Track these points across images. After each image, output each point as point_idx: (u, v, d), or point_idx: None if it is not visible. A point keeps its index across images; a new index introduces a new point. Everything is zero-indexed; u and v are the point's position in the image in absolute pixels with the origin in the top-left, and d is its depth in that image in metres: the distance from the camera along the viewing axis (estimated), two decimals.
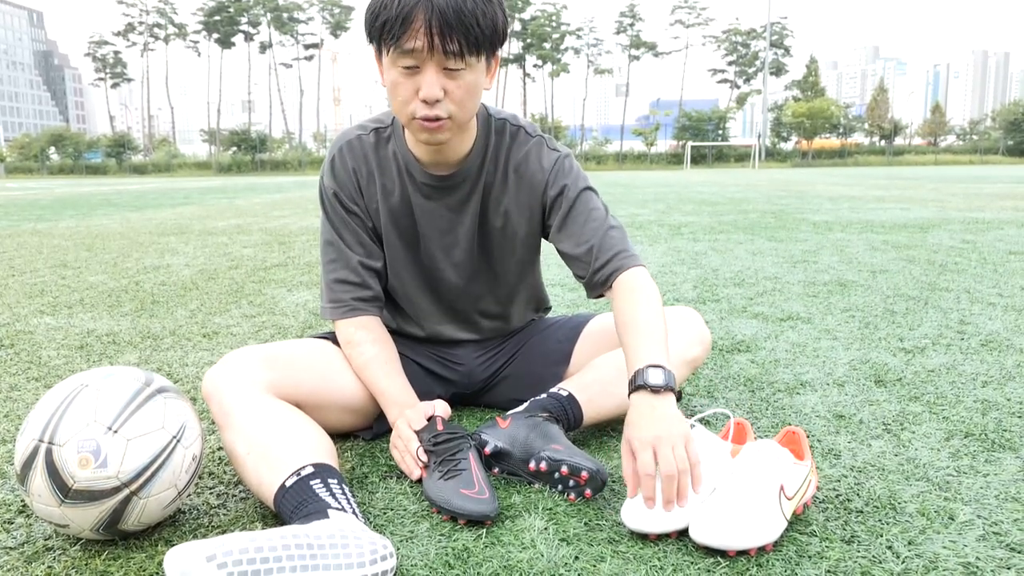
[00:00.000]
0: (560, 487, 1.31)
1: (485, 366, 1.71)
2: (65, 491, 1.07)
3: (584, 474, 1.27)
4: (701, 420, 1.35)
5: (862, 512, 1.24)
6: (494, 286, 1.64)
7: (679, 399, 1.30)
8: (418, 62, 1.25)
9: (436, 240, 1.56)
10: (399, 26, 1.22)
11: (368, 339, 1.51)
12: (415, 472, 1.35)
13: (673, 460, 1.15)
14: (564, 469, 1.29)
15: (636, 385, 1.25)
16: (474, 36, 1.24)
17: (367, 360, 1.49)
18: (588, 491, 1.28)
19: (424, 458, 1.34)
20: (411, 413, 1.42)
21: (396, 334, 1.64)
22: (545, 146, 1.53)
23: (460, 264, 1.58)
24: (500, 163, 1.52)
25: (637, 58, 73.62)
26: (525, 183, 1.52)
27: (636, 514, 1.16)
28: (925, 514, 1.23)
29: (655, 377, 1.23)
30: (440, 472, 1.29)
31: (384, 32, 1.25)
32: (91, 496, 1.08)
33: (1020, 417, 1.68)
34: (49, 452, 1.07)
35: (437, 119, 1.30)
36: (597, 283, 1.47)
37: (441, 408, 1.43)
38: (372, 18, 1.27)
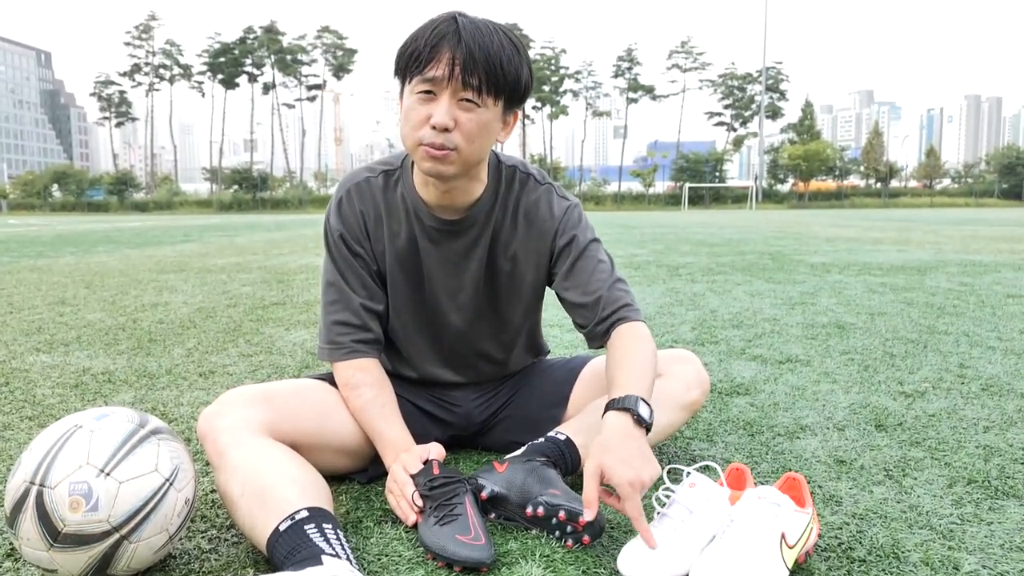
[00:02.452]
0: (557, 533, 1.29)
1: (483, 408, 1.70)
2: (55, 535, 1.05)
3: (582, 520, 1.25)
4: (698, 469, 1.33)
5: (865, 561, 1.22)
6: (497, 330, 1.64)
7: (648, 430, 1.30)
8: (436, 89, 1.30)
9: (441, 283, 1.56)
10: (427, 53, 1.28)
11: (367, 381, 1.50)
12: (411, 517, 1.33)
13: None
14: (562, 514, 1.27)
15: (607, 405, 1.29)
16: (495, 76, 1.29)
17: (364, 403, 1.48)
18: (586, 537, 1.26)
19: (420, 503, 1.32)
20: (407, 457, 1.40)
21: (392, 376, 1.63)
22: (555, 194, 1.55)
23: (464, 307, 1.58)
24: (509, 208, 1.53)
25: (635, 101, 74.78)
26: (535, 229, 1.53)
27: (633, 562, 1.14)
28: (929, 563, 1.21)
29: (627, 400, 1.28)
30: (436, 517, 1.27)
31: (411, 61, 1.31)
32: (81, 540, 1.06)
33: (1023, 464, 1.66)
34: (40, 495, 1.06)
35: (443, 148, 1.32)
36: (599, 333, 1.48)
37: (436, 451, 1.42)
38: (403, 51, 1.33)
